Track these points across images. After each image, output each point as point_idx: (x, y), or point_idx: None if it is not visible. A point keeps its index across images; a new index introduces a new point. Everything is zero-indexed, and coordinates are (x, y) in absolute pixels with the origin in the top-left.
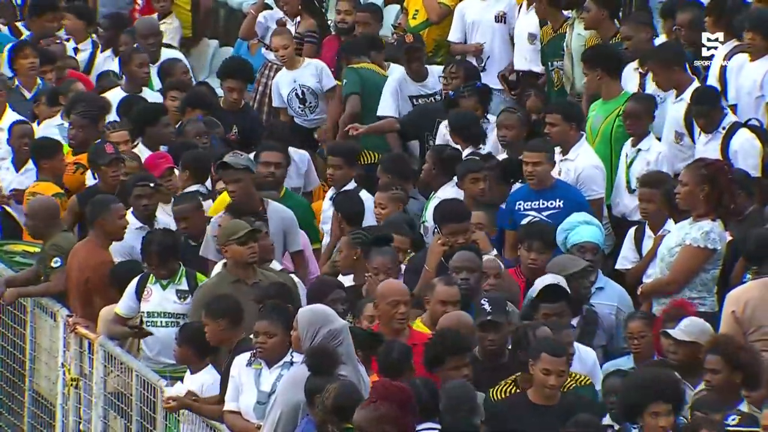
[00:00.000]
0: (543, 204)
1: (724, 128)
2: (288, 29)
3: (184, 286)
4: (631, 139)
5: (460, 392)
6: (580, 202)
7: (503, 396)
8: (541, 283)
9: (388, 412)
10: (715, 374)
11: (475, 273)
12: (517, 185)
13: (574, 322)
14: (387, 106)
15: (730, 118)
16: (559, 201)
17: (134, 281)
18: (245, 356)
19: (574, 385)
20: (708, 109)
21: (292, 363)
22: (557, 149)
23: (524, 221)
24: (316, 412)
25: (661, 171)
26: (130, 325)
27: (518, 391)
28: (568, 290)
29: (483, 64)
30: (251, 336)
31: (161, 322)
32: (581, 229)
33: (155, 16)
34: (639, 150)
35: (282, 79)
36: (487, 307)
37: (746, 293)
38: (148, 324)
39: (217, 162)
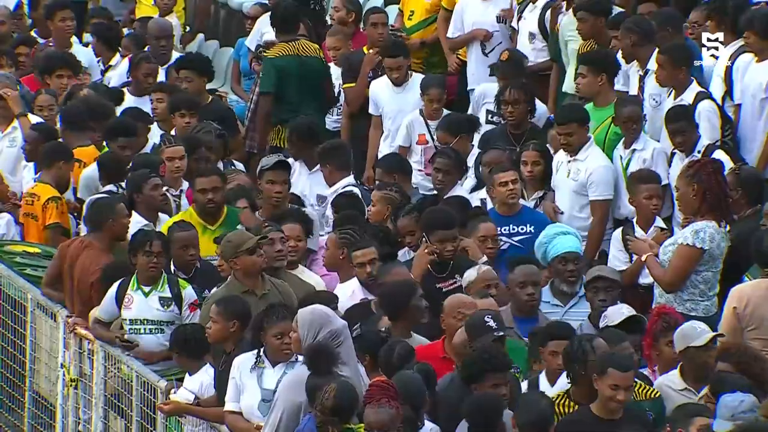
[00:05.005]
0: (513, 229)
1: (699, 151)
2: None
3: (167, 293)
4: (624, 141)
5: (411, 385)
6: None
7: (560, 410)
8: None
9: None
10: None
11: (539, 286)
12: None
13: None
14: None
15: (703, 141)
16: (529, 226)
17: (115, 285)
18: (246, 356)
19: (641, 398)
20: (684, 126)
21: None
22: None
23: None
24: (315, 413)
25: None
26: (120, 341)
27: (571, 403)
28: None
29: (486, 51)
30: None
31: (144, 329)
32: (559, 240)
33: (173, 16)
34: (634, 150)
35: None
36: (492, 323)
37: (751, 290)
38: (131, 332)
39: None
